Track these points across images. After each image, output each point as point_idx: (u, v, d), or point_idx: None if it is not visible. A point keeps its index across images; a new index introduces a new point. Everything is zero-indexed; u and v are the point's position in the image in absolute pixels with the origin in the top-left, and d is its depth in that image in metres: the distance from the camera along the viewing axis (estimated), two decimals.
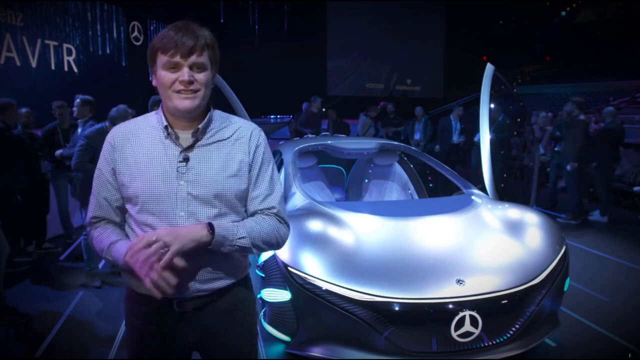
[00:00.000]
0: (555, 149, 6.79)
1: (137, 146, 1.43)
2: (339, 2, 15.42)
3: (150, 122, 1.46)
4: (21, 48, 7.23)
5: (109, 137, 1.47)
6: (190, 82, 1.36)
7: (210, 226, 1.35)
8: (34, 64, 7.51)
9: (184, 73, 1.35)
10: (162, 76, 1.36)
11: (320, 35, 15.27)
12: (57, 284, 4.31)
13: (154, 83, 1.42)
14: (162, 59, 1.36)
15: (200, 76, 1.38)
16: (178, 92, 1.36)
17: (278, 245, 1.51)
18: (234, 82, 3.54)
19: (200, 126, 1.42)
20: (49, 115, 5.26)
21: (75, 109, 4.70)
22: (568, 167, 6.17)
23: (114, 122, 3.89)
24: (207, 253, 1.39)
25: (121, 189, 1.44)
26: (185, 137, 1.43)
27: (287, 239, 1.53)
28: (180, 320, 1.46)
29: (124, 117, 3.95)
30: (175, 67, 1.35)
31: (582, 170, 6.23)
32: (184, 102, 1.37)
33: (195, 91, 1.37)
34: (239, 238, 1.39)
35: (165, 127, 1.42)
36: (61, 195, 5.28)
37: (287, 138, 8.65)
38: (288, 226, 1.54)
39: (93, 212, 1.48)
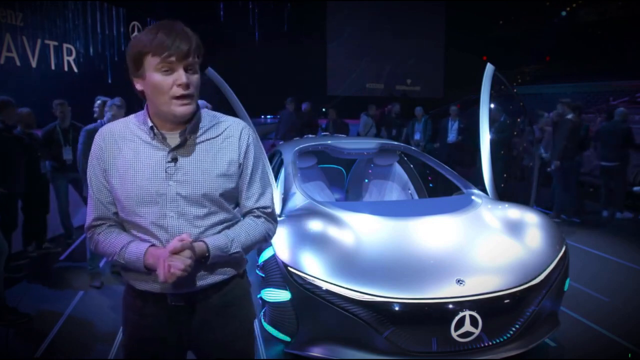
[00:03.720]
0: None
1: (125, 147, 1.42)
2: (339, 2, 15.41)
3: (136, 123, 1.45)
4: (21, 48, 7.23)
5: (97, 139, 1.46)
6: (188, 85, 1.34)
7: (207, 252, 1.40)
8: (34, 64, 7.51)
9: (182, 76, 1.33)
10: (158, 80, 1.33)
11: (320, 35, 15.26)
12: (57, 284, 4.30)
13: (139, 87, 1.39)
14: (153, 61, 1.32)
15: (194, 79, 1.37)
16: (177, 97, 1.34)
17: (266, 242, 1.61)
18: (233, 82, 3.53)
19: (188, 126, 1.41)
20: (49, 115, 5.26)
21: (96, 109, 4.70)
22: (552, 166, 6.22)
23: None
24: None
25: (112, 192, 1.44)
26: (173, 137, 1.42)
27: (275, 234, 1.61)
28: (174, 316, 1.47)
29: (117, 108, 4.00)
30: (169, 70, 1.33)
31: (569, 170, 6.26)
32: (181, 109, 1.36)
33: (192, 96, 1.36)
34: (233, 253, 1.45)
35: (151, 128, 1.41)
36: (61, 195, 5.28)
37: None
38: (277, 223, 1.61)
39: (93, 214, 1.48)
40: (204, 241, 1.40)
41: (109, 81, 9.06)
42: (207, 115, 1.49)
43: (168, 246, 1.34)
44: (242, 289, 1.57)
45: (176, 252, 1.32)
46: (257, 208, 1.53)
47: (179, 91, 1.34)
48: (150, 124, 1.41)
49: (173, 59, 1.32)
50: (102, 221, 1.47)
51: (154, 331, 1.49)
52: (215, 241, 1.41)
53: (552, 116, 6.82)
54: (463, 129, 8.69)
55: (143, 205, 1.40)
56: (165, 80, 1.33)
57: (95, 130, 4.05)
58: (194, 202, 1.41)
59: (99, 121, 4.12)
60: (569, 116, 6.23)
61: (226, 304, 1.52)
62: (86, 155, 4.19)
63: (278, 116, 8.97)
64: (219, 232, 1.46)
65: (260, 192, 1.53)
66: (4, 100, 4.31)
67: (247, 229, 1.49)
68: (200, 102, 3.98)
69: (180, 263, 1.31)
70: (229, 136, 1.47)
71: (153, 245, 1.40)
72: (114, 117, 4.02)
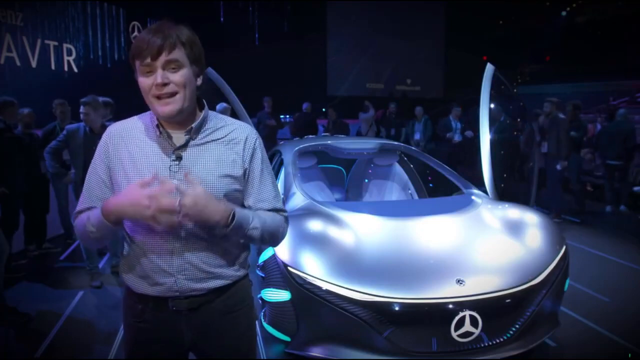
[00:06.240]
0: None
1: (131, 145, 1.43)
2: (339, 2, 15.38)
3: (145, 121, 1.47)
4: (21, 48, 7.22)
5: (105, 136, 1.47)
6: (165, 84, 1.33)
7: (232, 217, 1.34)
8: (34, 64, 7.50)
9: (157, 76, 1.32)
10: (140, 82, 1.35)
11: (320, 36, 15.23)
12: (57, 284, 4.31)
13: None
14: (137, 64, 1.34)
15: (176, 77, 1.34)
16: (157, 97, 1.34)
17: (277, 242, 1.56)
18: (233, 82, 3.54)
19: (193, 125, 1.42)
20: (49, 115, 5.26)
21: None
22: (558, 167, 6.23)
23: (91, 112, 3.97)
24: (202, 251, 1.42)
25: (115, 189, 1.44)
26: (178, 136, 1.42)
27: (285, 236, 1.58)
28: (175, 320, 1.46)
29: (95, 105, 3.98)
30: (150, 71, 1.33)
31: (555, 169, 6.32)
32: (163, 108, 1.35)
33: (173, 94, 1.34)
34: (252, 228, 1.41)
35: (157, 126, 1.41)
36: (61, 195, 5.29)
37: (287, 138, 8.66)
38: (288, 226, 1.59)
39: (80, 207, 1.47)
40: (230, 212, 1.35)
41: (109, 81, 9.04)
42: (215, 117, 1.50)
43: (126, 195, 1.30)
44: (243, 294, 1.56)
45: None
46: (271, 210, 1.52)
47: (157, 91, 1.34)
48: (157, 122, 1.42)
49: (148, 59, 1.32)
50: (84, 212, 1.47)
51: (155, 335, 1.48)
52: (239, 209, 1.39)
53: (541, 116, 6.81)
54: (466, 129, 8.66)
55: None
56: (145, 82, 1.34)
57: (77, 130, 4.05)
58: None
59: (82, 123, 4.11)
60: (561, 115, 6.29)
61: (229, 309, 1.50)
62: (56, 153, 4.17)
63: (256, 118, 8.92)
64: (223, 234, 1.42)
65: (273, 195, 1.53)
66: (6, 100, 4.33)
67: (266, 213, 1.48)
68: (222, 105, 3.97)
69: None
70: (235, 138, 1.48)
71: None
72: (86, 116, 3.99)
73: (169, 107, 1.35)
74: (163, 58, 1.32)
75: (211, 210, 1.31)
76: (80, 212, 1.47)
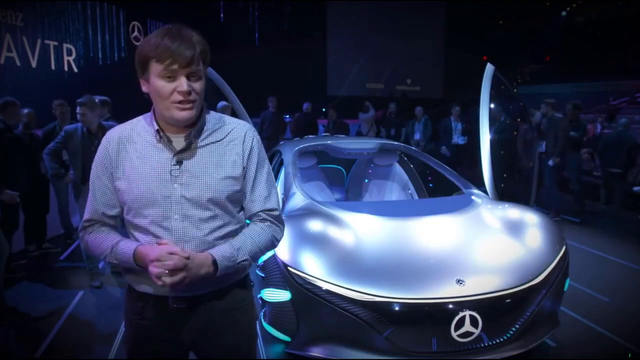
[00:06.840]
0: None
1: (131, 150, 1.43)
2: (339, 2, 15.39)
3: (144, 126, 1.46)
4: (21, 48, 7.22)
5: (104, 142, 1.47)
6: (189, 93, 1.34)
7: (215, 264, 1.37)
8: (34, 64, 7.50)
9: (183, 83, 1.33)
10: (160, 86, 1.34)
11: (320, 36, 15.24)
12: (57, 284, 4.31)
13: (144, 89, 1.40)
14: (157, 67, 1.33)
15: (197, 85, 1.37)
16: (177, 102, 1.35)
17: (273, 247, 1.57)
18: (233, 82, 3.53)
19: (193, 130, 1.42)
20: (49, 115, 5.26)
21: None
22: (550, 162, 6.24)
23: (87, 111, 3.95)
24: (202, 251, 1.41)
25: (118, 194, 1.44)
26: (178, 140, 1.42)
27: (282, 238, 1.58)
28: (176, 318, 1.47)
29: (91, 105, 3.97)
30: (171, 77, 1.33)
31: (554, 168, 6.34)
32: (182, 114, 1.36)
33: (193, 101, 1.36)
34: (241, 261, 1.43)
35: (157, 131, 1.41)
36: (61, 195, 5.29)
37: (288, 138, 8.65)
38: (283, 226, 1.59)
39: (89, 215, 1.48)
40: (209, 253, 1.38)
41: (109, 81, 9.04)
42: (213, 117, 1.50)
43: (152, 253, 1.32)
44: (243, 293, 1.56)
45: (158, 260, 1.29)
46: (263, 211, 1.51)
47: (179, 97, 1.34)
48: (156, 127, 1.41)
49: (175, 66, 1.32)
50: (94, 222, 1.48)
51: (155, 333, 1.48)
52: (220, 251, 1.40)
53: (538, 116, 6.83)
54: (468, 130, 8.63)
55: (148, 206, 1.40)
56: (166, 87, 1.34)
57: (75, 131, 4.05)
58: (199, 204, 1.41)
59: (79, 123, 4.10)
60: (559, 114, 6.32)
61: (229, 308, 1.51)
62: (55, 154, 4.18)
63: (260, 118, 8.92)
64: (224, 235, 1.44)
65: (265, 195, 1.51)
66: (8, 101, 4.33)
67: (251, 235, 1.47)
68: (222, 103, 3.91)
69: (159, 270, 1.29)
70: (234, 139, 1.48)
71: (142, 244, 1.40)
72: (82, 116, 3.98)
73: (187, 112, 1.37)
74: (192, 68, 1.34)
75: (195, 271, 1.33)
76: (89, 221, 1.48)
